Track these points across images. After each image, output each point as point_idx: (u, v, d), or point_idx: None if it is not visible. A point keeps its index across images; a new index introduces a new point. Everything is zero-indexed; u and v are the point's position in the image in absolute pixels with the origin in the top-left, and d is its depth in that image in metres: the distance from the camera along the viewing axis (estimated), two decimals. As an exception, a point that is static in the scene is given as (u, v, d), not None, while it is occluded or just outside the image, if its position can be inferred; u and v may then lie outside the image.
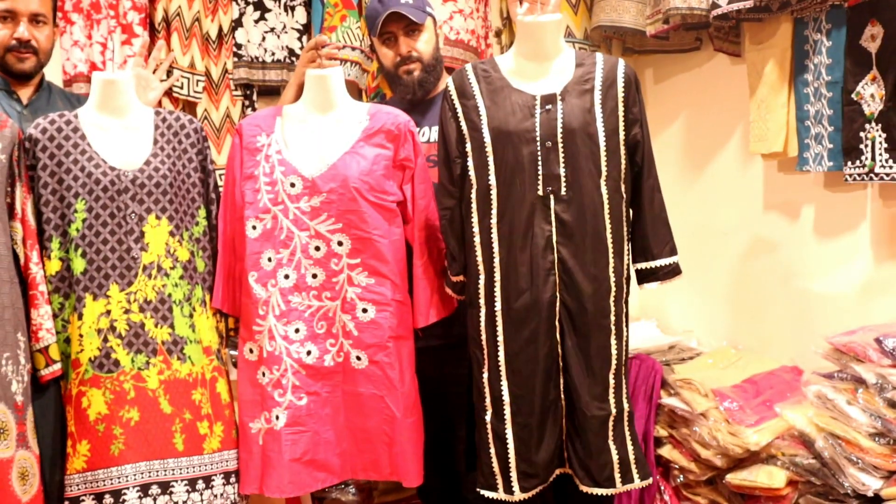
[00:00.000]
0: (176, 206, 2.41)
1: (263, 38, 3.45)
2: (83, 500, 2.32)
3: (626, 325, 2.41)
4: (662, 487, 3.02)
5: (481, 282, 2.36)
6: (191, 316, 2.42)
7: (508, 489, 2.36)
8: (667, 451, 3.00)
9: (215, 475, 2.40)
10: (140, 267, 2.35)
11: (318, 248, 2.43)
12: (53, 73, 3.07)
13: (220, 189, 2.59)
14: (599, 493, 2.38)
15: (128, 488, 2.31)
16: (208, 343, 2.46)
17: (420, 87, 2.71)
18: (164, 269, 2.38)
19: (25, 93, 2.72)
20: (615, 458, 2.35)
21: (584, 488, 2.38)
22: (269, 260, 2.43)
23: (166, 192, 2.39)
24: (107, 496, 2.31)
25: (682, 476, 2.97)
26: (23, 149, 2.35)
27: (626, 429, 2.39)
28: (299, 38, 3.51)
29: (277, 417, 2.40)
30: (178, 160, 2.45)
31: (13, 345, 2.22)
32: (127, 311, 2.34)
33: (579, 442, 2.37)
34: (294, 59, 3.46)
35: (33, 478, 2.24)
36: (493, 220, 2.33)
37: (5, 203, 2.29)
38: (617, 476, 2.36)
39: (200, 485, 2.38)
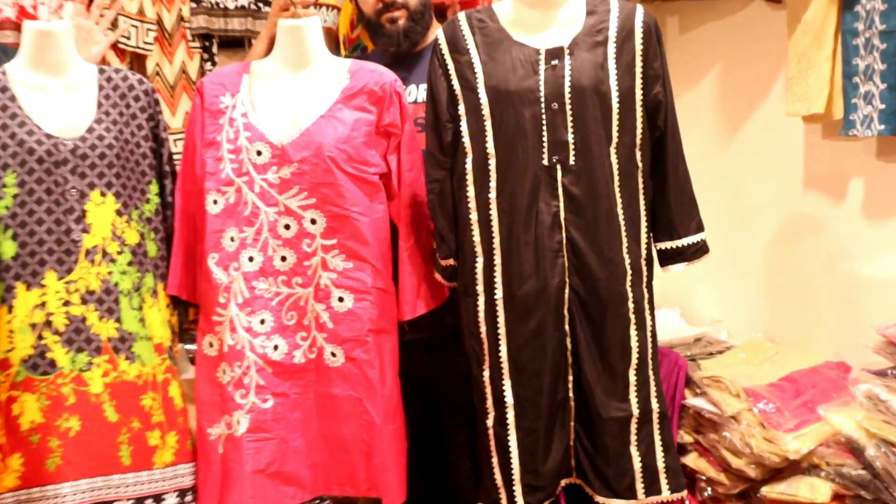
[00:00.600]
0: (124, 181, 2.38)
1: (225, -19, 3.40)
2: None
3: (651, 314, 2.41)
4: (688, 502, 3.00)
5: (479, 266, 2.35)
6: (140, 308, 2.39)
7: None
8: (692, 460, 2.99)
9: (168, 493, 2.38)
10: (82, 251, 2.32)
11: (287, 227, 2.41)
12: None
13: (176, 159, 2.57)
14: None
15: None
16: (160, 339, 2.43)
17: (406, 37, 2.69)
18: (109, 253, 2.34)
19: (-62, 43, 2.67)
20: (637, 465, 2.35)
21: (601, 499, 2.38)
22: (232, 240, 2.42)
23: (112, 165, 2.35)
24: None
25: (709, 489, 2.96)
26: None
27: (657, 432, 2.39)
28: (268, -18, 3.46)
29: (239, 422, 2.39)
30: (126, 127, 2.41)
31: None
32: (66, 303, 2.30)
33: (593, 447, 2.37)
34: (261, 5, 3.42)
35: None
36: (492, 195, 2.32)
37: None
38: (639, 486, 2.36)
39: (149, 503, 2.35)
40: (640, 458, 2.35)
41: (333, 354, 2.42)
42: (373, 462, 2.44)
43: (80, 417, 2.30)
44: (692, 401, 3.01)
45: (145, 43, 3.29)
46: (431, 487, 2.78)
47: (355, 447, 2.44)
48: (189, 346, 3.18)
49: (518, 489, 2.35)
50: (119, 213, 2.37)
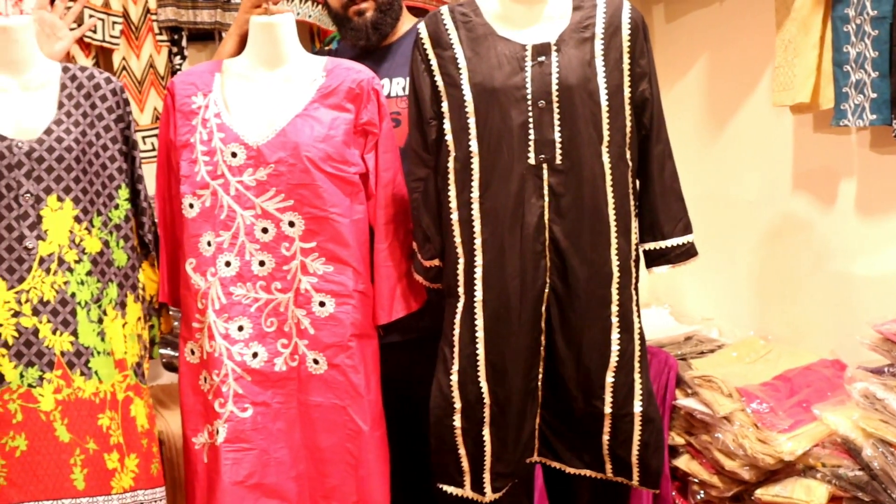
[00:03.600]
0: (85, 186, 2.30)
1: (194, -29, 3.41)
2: None
3: (638, 316, 2.39)
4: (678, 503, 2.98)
5: (460, 267, 2.33)
6: (100, 321, 2.30)
7: (478, 489, 2.37)
8: (684, 463, 2.99)
9: None
10: (35, 259, 2.23)
11: (265, 231, 2.37)
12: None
13: (144, 158, 2.53)
14: (588, 475, 2.39)
15: None
16: (122, 355, 2.34)
17: (374, 30, 2.65)
18: (66, 262, 2.26)
19: None
20: (605, 451, 2.36)
21: (572, 470, 2.40)
22: (209, 244, 2.38)
23: (71, 168, 2.27)
24: None
25: (702, 492, 2.95)
26: None
27: (636, 434, 2.36)
28: (237, -28, 3.45)
29: (217, 431, 2.35)
30: (91, 128, 2.34)
31: None
32: (16, 314, 2.22)
33: (566, 427, 2.38)
34: None
35: None
36: (475, 194, 2.29)
37: None
38: (608, 465, 2.37)
39: None
40: (608, 449, 2.35)
41: (316, 361, 2.39)
42: (360, 473, 2.41)
43: (28, 436, 2.20)
44: (683, 401, 3.00)
45: (111, 37, 3.29)
46: (412, 495, 2.73)
47: (341, 458, 2.41)
48: (163, 351, 3.11)
49: (487, 477, 2.36)
50: (78, 219, 2.28)
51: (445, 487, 2.39)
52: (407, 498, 2.70)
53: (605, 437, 2.33)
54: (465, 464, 2.36)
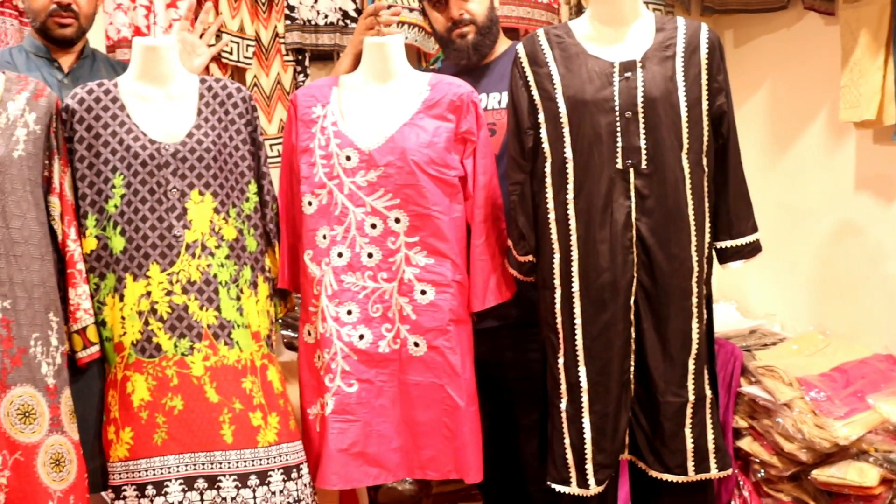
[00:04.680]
0: (221, 181, 2.34)
1: (316, 0, 3.39)
2: (125, 490, 2.27)
3: (709, 308, 2.35)
4: (741, 482, 2.98)
5: (556, 261, 2.30)
6: (238, 298, 2.34)
7: (583, 483, 2.31)
8: (746, 444, 2.94)
9: (272, 470, 2.30)
10: (182, 246, 2.28)
11: (374, 226, 2.37)
12: (96, 39, 3.01)
13: (271, 163, 2.54)
14: (670, 480, 2.32)
15: (170, 480, 2.25)
16: (257, 328, 2.38)
17: (475, 51, 2.63)
18: (208, 248, 2.31)
19: (67, 60, 2.68)
20: (689, 445, 2.29)
21: (654, 474, 2.33)
22: (324, 237, 2.38)
23: (210, 167, 2.32)
24: (149, 487, 2.25)
25: (763, 471, 2.91)
26: (60, 120, 2.31)
27: (708, 417, 2.32)
28: (353, 0, 3.44)
29: (327, 404, 2.36)
30: (225, 132, 2.37)
31: (43, 325, 2.18)
32: (169, 293, 2.27)
33: (651, 427, 2.32)
34: (348, 21, 3.42)
35: (70, 464, 2.20)
36: (570, 196, 2.27)
37: (42, 177, 2.26)
38: (690, 464, 2.30)
39: (253, 480, 2.28)
40: (692, 440, 2.29)
41: (416, 344, 2.38)
42: (455, 444, 2.39)
43: (183, 397, 2.27)
44: (747, 388, 2.95)
45: (245, 57, 3.32)
46: (501, 467, 2.71)
47: (438, 431, 2.39)
48: (285, 332, 3.15)
49: (590, 468, 2.30)
50: (217, 210, 2.33)
51: (557, 487, 2.34)
52: (499, 467, 2.67)
53: (688, 431, 2.27)
54: (569, 456, 2.31)
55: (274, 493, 2.29)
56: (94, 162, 2.29)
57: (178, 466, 2.25)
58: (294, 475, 2.32)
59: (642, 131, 2.22)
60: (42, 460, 2.14)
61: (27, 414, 2.13)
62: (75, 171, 2.30)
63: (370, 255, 2.37)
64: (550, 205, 2.29)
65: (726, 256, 2.39)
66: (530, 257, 2.37)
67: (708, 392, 2.31)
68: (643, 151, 2.22)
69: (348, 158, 2.36)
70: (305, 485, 2.34)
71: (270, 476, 2.29)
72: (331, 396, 2.34)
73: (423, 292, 2.36)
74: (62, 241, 2.26)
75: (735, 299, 3.60)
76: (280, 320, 2.57)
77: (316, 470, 2.36)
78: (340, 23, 3.40)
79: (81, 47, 2.70)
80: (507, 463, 2.70)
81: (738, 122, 2.42)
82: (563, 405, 2.32)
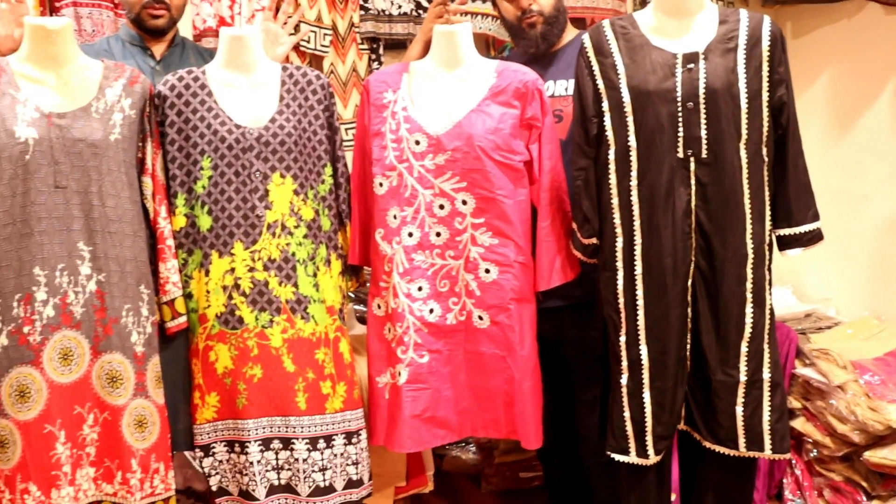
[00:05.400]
0: (301, 165, 2.37)
1: (390, -9, 3.41)
2: (214, 447, 2.36)
3: (769, 293, 2.31)
4: (794, 461, 2.96)
5: (619, 244, 2.30)
6: (315, 275, 2.38)
7: (643, 453, 2.32)
8: (800, 424, 2.90)
9: (336, 435, 2.37)
10: (264, 225, 2.32)
11: (442, 207, 2.38)
12: (184, 28, 3.06)
13: (346, 146, 2.56)
14: (721, 451, 2.31)
15: (250, 441, 2.33)
16: (332, 303, 2.42)
17: (543, 39, 2.61)
18: (287, 227, 2.34)
19: (159, 49, 2.73)
20: (740, 423, 2.27)
21: (707, 444, 2.32)
22: (395, 217, 2.40)
23: (291, 151, 2.34)
24: (236, 445, 2.35)
25: (815, 450, 2.87)
26: (153, 105, 2.35)
27: (766, 399, 2.28)
28: (425, -10, 3.46)
29: (400, 374, 2.39)
30: (305, 117, 2.40)
31: (134, 297, 2.24)
32: (251, 270, 2.32)
33: (704, 402, 2.31)
34: (421, 12, 3.41)
35: (153, 426, 2.27)
36: (633, 182, 2.26)
37: (136, 158, 2.31)
38: (741, 440, 2.28)
39: (321, 444, 2.36)
40: (743, 419, 2.26)
41: (481, 318, 2.39)
42: (513, 411, 2.41)
43: (263, 366, 2.33)
44: (802, 370, 2.91)
45: (322, 46, 3.32)
46: (560, 440, 2.72)
47: (498, 397, 2.42)
48: (357, 307, 3.18)
49: (650, 440, 2.30)
50: (296, 192, 2.36)
51: (615, 456, 2.34)
52: (559, 439, 2.70)
53: (739, 409, 2.25)
54: (629, 428, 2.31)
55: (336, 455, 2.37)
56: (183, 145, 2.34)
57: (256, 429, 2.32)
58: (354, 440, 2.39)
59: (703, 122, 2.20)
60: (126, 421, 2.21)
61: (115, 379, 2.20)
62: (166, 154, 2.35)
63: (438, 235, 2.38)
64: (614, 190, 2.28)
65: (785, 244, 2.36)
66: (594, 240, 2.36)
67: (766, 375, 2.27)
68: (703, 141, 2.20)
69: (417, 143, 2.37)
70: (362, 449, 2.41)
71: (334, 440, 2.36)
72: (404, 367, 2.38)
73: (487, 271, 2.37)
74: (153, 218, 2.31)
75: (791, 283, 3.54)
76: (352, 295, 2.59)
77: (384, 434, 2.41)
78: (413, 13, 3.39)
79: (172, 36, 2.74)
80: (566, 436, 2.70)
81: (798, 113, 2.37)
82: (623, 381, 2.32)
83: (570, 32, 2.66)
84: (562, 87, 2.58)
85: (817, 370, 2.83)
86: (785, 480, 2.96)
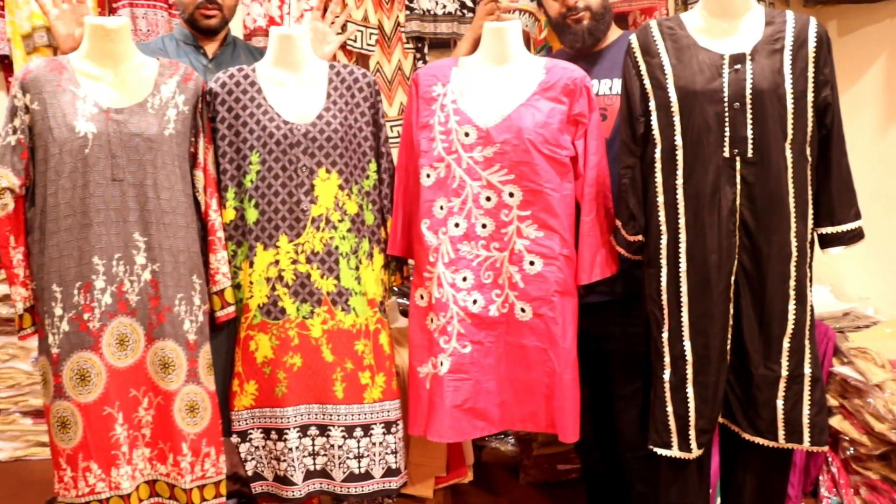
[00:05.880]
0: (346, 160, 2.39)
1: (435, -9, 3.41)
2: (251, 434, 2.39)
3: (810, 290, 2.30)
4: (830, 459, 2.92)
5: (664, 242, 2.29)
6: (357, 268, 2.40)
7: (686, 447, 2.31)
8: (837, 422, 2.86)
9: (375, 424, 2.39)
10: (309, 219, 2.34)
11: (488, 199, 2.37)
12: (234, 27, 3.10)
13: (391, 143, 2.56)
14: (760, 443, 2.30)
15: (289, 428, 2.36)
16: (373, 295, 2.44)
17: (590, 35, 2.59)
18: (332, 221, 2.36)
19: (211, 47, 2.77)
20: (780, 416, 2.26)
21: (747, 436, 2.31)
22: (441, 208, 2.39)
23: (337, 147, 2.36)
24: (272, 432, 2.37)
25: (852, 448, 2.84)
26: (205, 102, 2.38)
27: (806, 393, 2.27)
28: (470, -10, 3.45)
29: (442, 363, 2.38)
30: (351, 114, 2.41)
31: (187, 286, 2.28)
32: (294, 262, 2.34)
33: (744, 395, 2.30)
34: (465, 12, 3.41)
35: (204, 411, 2.31)
36: (679, 181, 2.26)
37: (189, 152, 2.34)
38: (781, 432, 2.27)
39: (358, 432, 2.38)
40: (783, 412, 2.26)
41: (523, 310, 2.38)
42: (553, 404, 2.39)
43: (302, 356, 2.35)
44: (839, 368, 2.88)
45: (368, 45, 3.34)
46: (599, 433, 2.72)
47: (538, 390, 2.40)
48: (400, 300, 3.19)
49: (693, 433, 2.30)
50: (341, 187, 2.37)
51: (657, 450, 2.34)
52: (598, 433, 2.70)
53: (780, 402, 2.24)
54: (672, 423, 2.31)
55: (374, 444, 2.39)
56: (234, 140, 2.37)
57: (295, 416, 2.35)
58: (392, 430, 2.41)
59: (749, 122, 2.19)
60: (178, 406, 2.26)
61: (167, 365, 2.24)
62: (217, 149, 2.38)
63: (484, 226, 2.37)
64: (660, 189, 2.27)
65: (827, 242, 2.34)
66: (640, 237, 2.36)
67: (807, 370, 2.26)
68: (749, 141, 2.19)
69: (466, 135, 2.36)
70: (400, 439, 2.42)
71: (373, 429, 2.38)
72: (447, 357, 2.37)
73: (532, 263, 2.36)
74: (205, 211, 2.35)
75: (829, 282, 3.49)
76: (396, 289, 2.62)
77: (425, 424, 2.40)
78: (458, 12, 3.41)
79: (224, 35, 2.78)
80: (604, 430, 2.70)
81: (841, 110, 2.34)
82: (666, 376, 2.31)
83: (615, 32, 2.65)
84: (606, 87, 2.57)
85: (855, 369, 2.80)
86: (821, 478, 2.94)
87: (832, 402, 2.87)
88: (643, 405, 2.45)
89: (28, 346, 3.58)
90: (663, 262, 2.29)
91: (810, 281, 2.29)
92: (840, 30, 3.55)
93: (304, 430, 2.37)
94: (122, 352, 2.21)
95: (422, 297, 2.45)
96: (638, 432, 2.51)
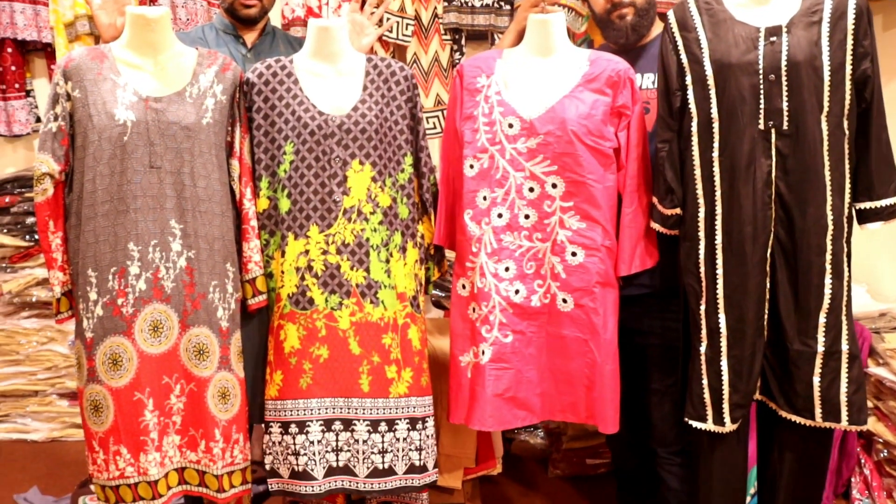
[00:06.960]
0: (380, 153, 2.36)
1: (472, -17, 3.37)
2: (271, 427, 2.36)
3: (849, 265, 2.26)
4: (863, 461, 2.86)
5: (701, 215, 2.28)
6: (387, 261, 2.37)
7: (719, 420, 2.30)
8: (871, 424, 2.84)
9: (399, 419, 2.35)
10: (340, 210, 2.32)
11: (532, 190, 2.36)
12: (273, 18, 3.10)
13: (428, 135, 2.53)
14: (798, 421, 2.28)
15: (312, 421, 2.32)
16: (403, 289, 2.40)
17: (633, 31, 2.57)
18: (363, 213, 2.33)
19: (250, 37, 2.76)
20: (816, 393, 2.23)
21: (784, 414, 2.29)
22: (484, 199, 2.38)
23: (371, 139, 2.34)
24: (292, 426, 2.32)
25: (885, 451, 2.82)
26: (242, 91, 2.37)
27: (844, 370, 2.23)
28: (508, -18, 3.42)
29: (483, 352, 2.36)
30: (387, 107, 2.39)
31: (221, 274, 2.28)
32: (324, 252, 2.32)
33: (781, 371, 2.28)
34: (502, 4, 3.40)
35: (234, 398, 2.31)
36: (715, 154, 2.24)
37: (225, 142, 2.34)
38: (817, 410, 2.24)
39: (383, 427, 2.34)
40: (820, 390, 2.22)
41: (565, 301, 2.36)
42: (592, 395, 2.37)
43: (329, 347, 2.32)
44: (874, 370, 2.85)
45: (404, 36, 3.32)
46: (631, 426, 2.69)
47: (579, 381, 2.38)
48: (435, 291, 3.19)
49: (726, 407, 2.28)
50: (374, 179, 2.35)
51: (692, 422, 2.33)
52: (629, 425, 2.66)
53: (817, 379, 2.21)
54: (706, 396, 2.29)
55: (398, 439, 2.35)
56: (269, 130, 2.35)
57: (319, 409, 2.32)
58: (419, 426, 2.37)
59: (785, 93, 2.17)
60: (211, 392, 2.26)
61: (201, 351, 2.24)
62: (253, 138, 2.37)
63: (527, 217, 2.36)
64: (696, 162, 2.26)
65: (865, 217, 2.30)
66: (677, 210, 2.34)
67: (844, 347, 2.22)
68: (785, 113, 2.17)
69: (510, 126, 2.35)
70: (429, 436, 2.38)
71: (397, 424, 2.34)
72: (488, 346, 2.36)
73: (574, 254, 2.34)
74: (239, 199, 2.34)
75: (866, 282, 3.41)
76: (433, 283, 2.60)
77: (466, 412, 2.38)
78: (495, 4, 3.38)
79: (263, 25, 2.77)
80: (637, 424, 2.67)
81: (886, 101, 2.29)
82: (702, 349, 2.29)
83: (658, 27, 2.61)
84: (649, 81, 2.54)
85: (890, 370, 2.77)
86: (853, 479, 2.89)
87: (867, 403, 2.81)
88: (682, 378, 2.42)
89: (65, 329, 3.63)
90: (701, 234, 2.27)
91: (848, 256, 2.24)
92: (885, 24, 3.48)
93: (328, 424, 2.32)
94: (156, 338, 2.21)
95: (464, 287, 2.43)
96: (671, 427, 2.51)
